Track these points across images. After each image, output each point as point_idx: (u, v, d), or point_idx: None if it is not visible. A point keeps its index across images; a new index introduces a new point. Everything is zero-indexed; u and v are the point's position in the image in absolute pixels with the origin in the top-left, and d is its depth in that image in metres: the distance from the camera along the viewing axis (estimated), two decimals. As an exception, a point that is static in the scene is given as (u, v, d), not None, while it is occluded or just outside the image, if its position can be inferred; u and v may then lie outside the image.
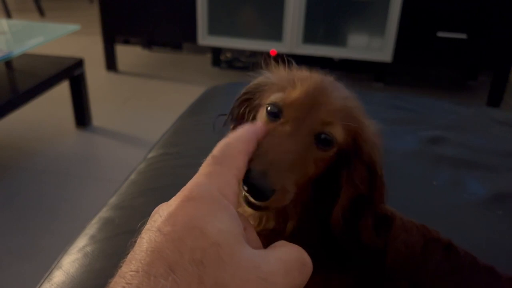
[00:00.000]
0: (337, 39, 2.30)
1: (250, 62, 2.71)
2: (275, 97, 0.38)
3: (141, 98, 2.31)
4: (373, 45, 2.27)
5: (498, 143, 0.87)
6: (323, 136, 0.37)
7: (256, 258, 0.23)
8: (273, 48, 2.32)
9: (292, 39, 2.27)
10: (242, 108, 0.43)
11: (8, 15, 3.31)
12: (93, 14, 2.97)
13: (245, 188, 0.33)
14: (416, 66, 2.72)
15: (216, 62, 2.71)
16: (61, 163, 1.73)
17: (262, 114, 0.39)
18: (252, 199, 0.33)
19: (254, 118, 0.42)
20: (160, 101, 2.27)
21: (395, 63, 2.23)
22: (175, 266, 0.21)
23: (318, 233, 0.40)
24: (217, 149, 0.29)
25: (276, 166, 0.33)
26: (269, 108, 0.38)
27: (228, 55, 2.76)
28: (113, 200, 0.71)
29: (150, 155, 0.84)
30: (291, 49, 2.29)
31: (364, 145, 0.39)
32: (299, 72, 0.42)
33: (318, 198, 0.40)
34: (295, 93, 0.38)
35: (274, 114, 0.38)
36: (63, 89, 1.93)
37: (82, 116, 1.95)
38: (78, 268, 0.57)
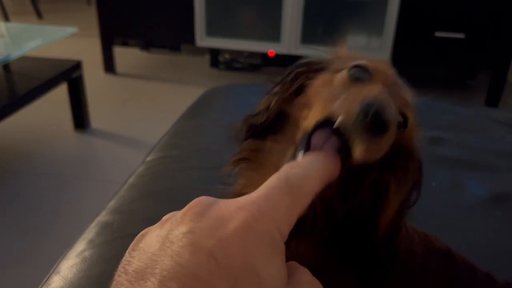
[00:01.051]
0: (336, 40, 2.30)
1: (248, 63, 2.71)
2: (361, 61, 0.36)
3: (139, 100, 2.31)
4: (372, 45, 2.27)
5: (497, 143, 0.87)
6: (400, 116, 0.35)
7: None
8: (271, 49, 2.32)
9: (290, 40, 2.26)
10: (294, 76, 0.40)
11: (6, 17, 3.30)
12: (91, 16, 2.96)
13: (360, 126, 0.28)
14: (415, 66, 2.72)
15: (215, 63, 2.71)
16: (60, 165, 1.72)
17: (340, 76, 0.36)
18: (361, 139, 0.29)
19: (300, 91, 0.38)
20: (159, 102, 2.27)
21: (394, 63, 2.23)
22: None
23: (332, 230, 0.38)
24: (295, 174, 0.25)
25: (388, 103, 0.30)
26: (353, 71, 0.35)
27: (227, 56, 2.75)
28: (111, 204, 0.70)
29: (148, 158, 0.84)
30: (289, 50, 2.29)
31: (416, 147, 0.38)
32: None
33: (342, 194, 0.37)
34: (383, 66, 0.37)
35: (359, 75, 0.35)
36: (61, 91, 1.92)
37: (80, 118, 1.94)
38: (76, 274, 0.57)
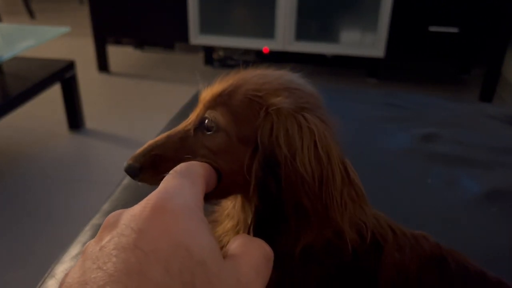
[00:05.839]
0: (330, 36, 2.30)
1: (243, 60, 2.71)
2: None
3: (134, 99, 2.30)
4: (366, 41, 2.27)
5: (491, 139, 0.87)
6: (204, 120, 0.37)
7: (234, 271, 0.23)
8: (265, 45, 2.32)
9: (284, 36, 2.26)
10: None
11: (-2, 17, 3.28)
12: (84, 15, 2.95)
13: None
14: (409, 61, 2.72)
15: (209, 61, 2.70)
16: (54, 167, 1.71)
17: None
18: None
19: None
20: (153, 101, 2.26)
21: (388, 59, 2.24)
22: None
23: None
24: (180, 166, 0.28)
25: (142, 151, 0.37)
26: None
27: (221, 53, 2.75)
28: (106, 206, 0.70)
29: (143, 159, 0.83)
30: (283, 46, 2.28)
31: (257, 125, 0.34)
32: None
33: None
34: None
35: None
36: (55, 92, 1.91)
37: (74, 118, 1.93)
38: (72, 277, 0.57)
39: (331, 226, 0.35)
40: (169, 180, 0.26)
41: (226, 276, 0.22)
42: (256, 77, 0.38)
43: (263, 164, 0.33)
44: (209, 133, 0.36)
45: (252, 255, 0.25)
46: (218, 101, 0.37)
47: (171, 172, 0.27)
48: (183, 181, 0.26)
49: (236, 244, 0.26)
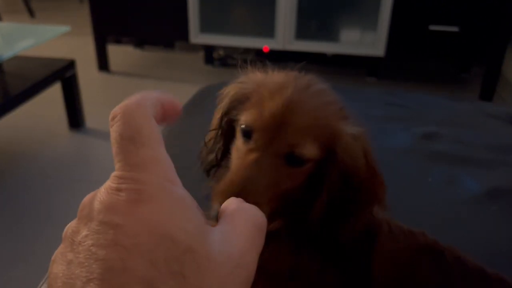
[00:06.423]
0: (330, 35, 2.30)
1: (243, 59, 2.70)
2: (246, 117, 0.41)
3: (134, 98, 2.30)
4: (366, 40, 2.27)
5: (492, 137, 0.88)
6: (292, 156, 0.39)
7: (224, 246, 0.22)
8: (266, 44, 2.32)
9: (284, 35, 2.26)
10: (224, 121, 0.46)
11: (-2, 16, 3.28)
12: (84, 14, 2.95)
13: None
14: (409, 60, 2.72)
15: (209, 60, 2.70)
16: (55, 166, 1.71)
17: (238, 132, 0.42)
18: None
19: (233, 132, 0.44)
20: (154, 100, 2.26)
21: (388, 58, 2.24)
22: (156, 285, 0.19)
23: (303, 230, 0.43)
24: (125, 127, 0.24)
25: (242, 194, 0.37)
26: (243, 127, 0.41)
27: (221, 52, 2.75)
28: (107, 205, 0.70)
29: (143, 158, 0.83)
30: (283, 45, 2.28)
31: (338, 151, 0.40)
32: (274, 76, 0.44)
33: (305, 197, 0.43)
34: (265, 113, 0.40)
35: (247, 134, 0.41)
36: (55, 91, 1.91)
37: (75, 117, 1.93)
38: (73, 276, 0.57)
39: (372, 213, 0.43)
40: (126, 155, 0.24)
41: (216, 256, 0.21)
42: (309, 96, 0.41)
43: (340, 176, 0.41)
44: (296, 166, 0.40)
45: (243, 226, 0.24)
46: (303, 133, 0.39)
47: (120, 141, 0.25)
48: (144, 154, 0.23)
49: (226, 214, 0.25)
